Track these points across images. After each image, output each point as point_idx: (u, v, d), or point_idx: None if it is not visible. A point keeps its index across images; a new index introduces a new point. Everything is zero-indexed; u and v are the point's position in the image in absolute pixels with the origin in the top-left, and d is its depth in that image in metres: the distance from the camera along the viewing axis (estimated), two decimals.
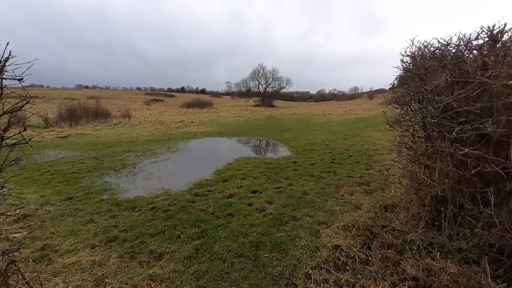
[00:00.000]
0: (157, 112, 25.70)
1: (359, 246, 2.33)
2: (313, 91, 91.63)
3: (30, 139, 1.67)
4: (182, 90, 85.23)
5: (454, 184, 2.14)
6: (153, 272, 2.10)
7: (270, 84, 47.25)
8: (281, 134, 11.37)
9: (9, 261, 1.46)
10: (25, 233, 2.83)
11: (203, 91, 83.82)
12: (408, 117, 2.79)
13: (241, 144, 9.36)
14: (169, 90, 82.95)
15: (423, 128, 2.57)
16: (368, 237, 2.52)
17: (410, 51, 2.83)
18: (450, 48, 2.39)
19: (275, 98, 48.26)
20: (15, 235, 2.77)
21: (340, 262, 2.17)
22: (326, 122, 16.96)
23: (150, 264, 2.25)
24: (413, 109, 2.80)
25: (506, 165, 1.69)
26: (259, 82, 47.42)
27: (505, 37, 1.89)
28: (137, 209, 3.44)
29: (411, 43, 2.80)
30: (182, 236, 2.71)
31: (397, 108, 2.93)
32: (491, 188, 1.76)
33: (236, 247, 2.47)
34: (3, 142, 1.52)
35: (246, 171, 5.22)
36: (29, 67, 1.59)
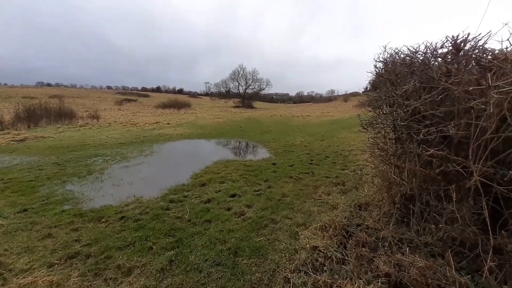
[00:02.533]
0: (130, 113, 24.32)
1: (335, 246, 2.36)
2: (292, 93, 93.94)
3: None
4: (158, 90, 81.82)
5: (421, 182, 2.27)
6: None
7: (250, 85, 47.47)
8: (261, 135, 11.39)
9: None
10: None
11: (180, 91, 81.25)
12: (380, 120, 2.92)
13: (220, 146, 9.18)
14: (144, 89, 79.18)
15: (394, 130, 2.71)
16: (344, 236, 2.57)
17: (382, 57, 2.97)
18: (418, 56, 2.54)
19: (254, 99, 48.51)
20: None
21: (318, 263, 2.18)
22: (304, 123, 17.38)
23: (117, 281, 2.05)
24: (384, 112, 2.95)
25: (465, 164, 1.82)
26: (239, 83, 47.39)
27: (468, 46, 2.05)
28: (103, 220, 3.15)
29: (384, 50, 2.94)
30: (154, 247, 2.53)
31: (370, 111, 3.05)
32: (453, 185, 1.89)
33: (213, 255, 2.36)
34: None
35: (225, 174, 5.10)
36: None
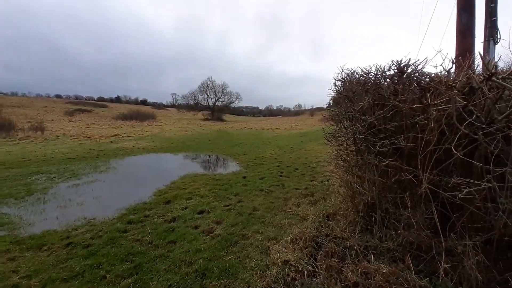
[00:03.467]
0: (83, 124, 21.98)
1: (306, 259, 2.35)
2: (262, 107, 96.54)
3: None
4: (117, 100, 76.22)
5: (380, 191, 2.44)
6: None
7: (219, 98, 47.38)
8: (231, 148, 11.28)
9: None
10: None
11: (144, 102, 76.95)
12: (342, 133, 3.13)
13: (188, 160, 8.79)
14: (101, 99, 72.97)
15: (354, 142, 2.91)
16: (314, 248, 2.59)
17: (341, 77, 3.25)
18: (371, 76, 2.84)
19: (224, 112, 48.44)
20: None
21: (289, 278, 2.13)
22: (274, 136, 17.83)
23: None
24: (345, 126, 3.17)
25: (416, 173, 2.02)
26: (208, 96, 46.94)
27: (410, 69, 2.36)
28: (45, 248, 2.67)
29: (341, 70, 3.23)
30: (108, 275, 2.20)
31: (333, 125, 3.26)
32: (407, 193, 2.08)
33: (178, 280, 2.15)
34: None
35: (193, 189, 4.84)
36: None
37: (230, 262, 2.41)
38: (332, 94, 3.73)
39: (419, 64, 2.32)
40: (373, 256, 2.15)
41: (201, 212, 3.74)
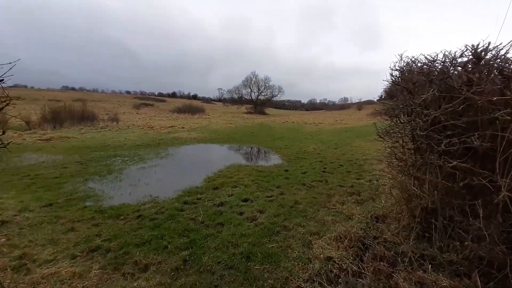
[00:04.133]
0: (147, 116, 25.22)
1: (351, 258, 2.30)
2: (305, 100, 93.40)
3: (8, 143, 1.57)
4: (173, 95, 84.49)
5: (443, 196, 2.18)
6: (137, 285, 1.98)
7: (262, 92, 47.83)
8: (273, 142, 11.40)
9: None
10: (3, 240, 2.63)
11: (195, 97, 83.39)
12: (397, 129, 2.86)
13: (232, 151, 9.28)
14: (160, 94, 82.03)
15: (412, 140, 2.64)
16: (360, 249, 2.50)
17: (398, 66, 2.94)
18: (437, 64, 2.50)
19: (266, 106, 48.73)
20: None
21: (332, 274, 2.13)
22: (317, 131, 17.20)
23: (134, 276, 2.12)
24: (402, 121, 2.88)
25: (492, 178, 1.74)
26: (251, 90, 47.90)
27: (489, 55, 1.99)
28: (122, 217, 3.28)
29: (400, 58, 2.91)
30: (169, 246, 2.59)
31: (387, 119, 3.00)
32: (479, 200, 1.80)
33: (226, 259, 2.38)
34: None
35: (238, 178, 5.15)
36: (10, 68, 1.50)
37: (272, 250, 2.54)
38: (386, 85, 3.42)
39: (501, 49, 1.93)
40: (430, 266, 1.97)
41: (245, 200, 3.98)
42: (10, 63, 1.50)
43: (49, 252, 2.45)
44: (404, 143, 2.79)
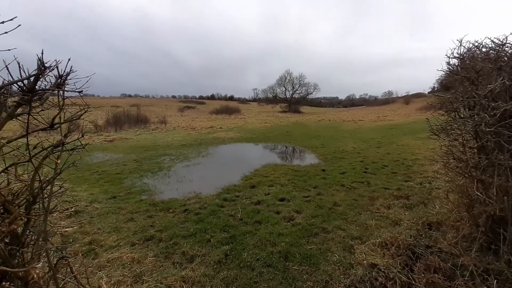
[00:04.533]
0: (189, 118, 27.17)
1: (399, 267, 2.14)
2: (342, 96, 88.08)
3: (86, 145, 1.90)
4: (212, 97, 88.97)
5: None
6: (185, 274, 2.19)
7: (296, 90, 46.88)
8: (309, 140, 11.11)
9: (60, 256, 1.65)
10: (76, 227, 3.18)
11: (231, 98, 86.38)
12: (456, 125, 2.52)
13: (267, 150, 9.37)
14: (201, 97, 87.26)
15: (475, 137, 2.30)
16: (410, 258, 2.30)
17: (457, 52, 2.58)
18: (506, 49, 2.13)
19: (301, 104, 47.60)
20: (68, 229, 3.13)
21: (377, 283, 2.02)
22: (356, 128, 16.12)
23: (182, 265, 2.35)
24: (462, 116, 2.53)
25: None
26: (285, 88, 47.37)
27: None
28: (171, 211, 3.64)
29: (459, 44, 2.56)
30: (212, 240, 2.79)
31: (443, 114, 2.67)
32: None
33: (264, 256, 2.45)
34: (63, 147, 1.74)
35: (274, 178, 5.20)
36: (87, 81, 1.81)
37: (311, 251, 2.51)
38: (442, 75, 3.03)
39: None
40: (496, 282, 1.71)
41: (282, 199, 4.00)
42: (88, 76, 1.82)
43: (113, 239, 2.87)
44: (464, 141, 2.45)
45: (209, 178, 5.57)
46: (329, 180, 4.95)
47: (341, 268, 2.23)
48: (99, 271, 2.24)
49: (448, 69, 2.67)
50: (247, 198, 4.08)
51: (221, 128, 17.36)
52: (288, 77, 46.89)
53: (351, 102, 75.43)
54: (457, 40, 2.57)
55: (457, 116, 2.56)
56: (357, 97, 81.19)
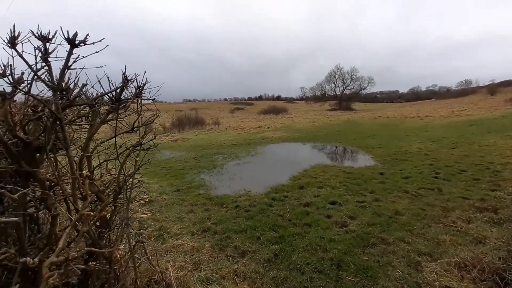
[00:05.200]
0: (239, 119, 28.48)
1: None
2: (404, 89, 77.12)
3: (157, 144, 2.21)
4: (259, 98, 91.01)
5: None
6: (237, 268, 2.31)
7: (348, 85, 43.41)
8: (362, 140, 10.20)
9: (137, 239, 1.96)
10: (149, 215, 3.73)
11: (278, 98, 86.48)
12: None
13: (316, 150, 9.03)
14: (249, 98, 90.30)
15: None
16: (498, 284, 1.87)
17: None
18: None
19: (353, 100, 43.84)
20: (143, 216, 3.70)
21: None
22: (423, 126, 13.94)
23: (235, 259, 2.49)
24: None
25: None
26: (335, 85, 44.45)
27: None
28: (224, 206, 3.90)
29: None
30: (261, 238, 2.86)
31: None
32: None
33: (315, 261, 2.38)
34: (141, 147, 2.06)
35: (323, 179, 4.98)
36: (158, 90, 2.10)
37: (367, 263, 2.31)
38: None
39: None
40: None
41: (333, 203, 3.79)
42: (158, 86, 2.12)
43: (178, 227, 3.25)
44: None
45: (258, 177, 5.73)
46: (389, 185, 4.45)
47: (405, 287, 1.98)
48: (166, 255, 2.58)
49: None
50: (296, 199, 4.03)
51: (268, 128, 17.58)
52: (338, 72, 43.89)
53: (415, 96, 65.50)
54: None
55: None
56: (423, 89, 69.88)
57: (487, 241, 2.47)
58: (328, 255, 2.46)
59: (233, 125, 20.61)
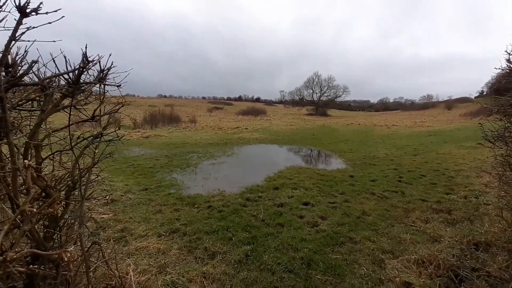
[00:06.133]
0: (217, 118, 27.98)
1: None
2: (374, 100, 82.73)
3: (122, 137, 2.02)
4: (239, 98, 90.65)
5: None
6: (206, 270, 2.20)
7: (324, 92, 45.56)
8: (336, 145, 10.66)
9: (93, 241, 1.76)
10: (111, 215, 3.42)
11: (258, 100, 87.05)
12: None
13: (292, 153, 9.19)
14: (229, 98, 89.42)
15: None
16: (452, 280, 2.03)
17: None
18: None
19: (329, 107, 46.12)
20: (103, 216, 3.39)
21: None
22: (389, 134, 15.05)
23: (204, 261, 2.38)
24: None
25: None
26: (313, 91, 46.31)
27: None
28: (196, 206, 3.74)
29: None
30: (233, 238, 2.78)
31: (500, 119, 2.32)
32: None
33: (286, 261, 2.37)
34: (102, 138, 1.86)
35: (298, 180, 5.06)
36: (125, 76, 1.92)
37: (336, 261, 2.36)
38: (498, 76, 2.66)
39: None
40: None
41: (306, 203, 3.86)
42: (126, 71, 1.93)
43: (143, 228, 3.02)
44: None
45: (233, 177, 5.63)
46: (358, 187, 4.66)
47: (369, 283, 2.05)
48: (128, 258, 2.37)
49: (508, 68, 2.31)
50: (270, 199, 4.02)
51: (246, 129, 17.55)
52: (316, 79, 45.85)
53: (384, 106, 70.65)
54: None
55: None
56: (391, 101, 75.70)
57: (442, 239, 2.68)
58: (299, 255, 2.47)
59: (211, 124, 20.19)
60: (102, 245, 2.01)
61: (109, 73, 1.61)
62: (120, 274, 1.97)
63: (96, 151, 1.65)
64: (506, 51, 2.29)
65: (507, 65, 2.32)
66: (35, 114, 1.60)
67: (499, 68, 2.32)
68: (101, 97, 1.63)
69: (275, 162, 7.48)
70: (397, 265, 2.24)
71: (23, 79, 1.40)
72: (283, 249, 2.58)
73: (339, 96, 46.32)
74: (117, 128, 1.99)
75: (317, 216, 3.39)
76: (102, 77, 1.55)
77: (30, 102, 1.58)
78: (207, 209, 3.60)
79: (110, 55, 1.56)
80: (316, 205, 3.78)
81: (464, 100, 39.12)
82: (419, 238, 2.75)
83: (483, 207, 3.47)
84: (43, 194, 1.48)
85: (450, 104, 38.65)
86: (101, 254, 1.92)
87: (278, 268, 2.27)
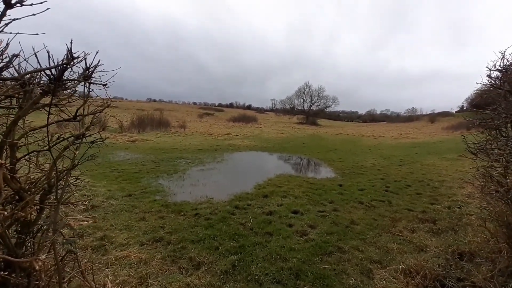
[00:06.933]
0: (208, 124, 27.76)
1: None
2: (362, 111, 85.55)
3: (105, 139, 1.92)
4: (230, 105, 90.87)
5: None
6: (190, 281, 2.10)
7: (315, 102, 46.64)
8: (325, 154, 10.79)
9: (68, 249, 1.63)
10: (90, 222, 3.22)
11: (249, 107, 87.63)
12: (497, 145, 2.27)
13: (282, 161, 9.20)
14: (220, 105, 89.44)
15: None
16: None
17: (500, 65, 2.37)
18: None
19: (319, 116, 47.15)
20: (82, 223, 3.18)
21: None
22: (376, 144, 15.47)
23: (188, 272, 2.26)
24: (504, 134, 2.28)
25: None
26: (304, 100, 47.28)
27: None
28: (182, 213, 3.60)
29: (501, 56, 2.35)
30: (220, 248, 2.69)
31: (482, 132, 2.43)
32: None
33: (274, 271, 2.30)
34: (84, 139, 1.76)
35: (287, 188, 5.03)
36: (113, 75, 1.84)
37: (325, 271, 2.32)
38: (480, 90, 2.81)
39: None
40: None
41: (295, 212, 3.82)
42: (113, 70, 1.86)
43: (124, 236, 2.86)
44: (507, 163, 2.19)
45: (222, 184, 5.53)
46: (347, 196, 4.69)
47: None
48: (106, 268, 2.22)
49: (489, 83, 2.44)
50: (259, 207, 3.95)
51: (237, 135, 17.48)
52: (307, 89, 46.95)
53: (371, 117, 73.11)
54: (499, 52, 2.37)
55: (498, 134, 2.31)
56: (378, 112, 78.55)
57: (428, 249, 2.71)
58: (287, 265, 2.41)
59: (201, 130, 19.97)
60: (78, 254, 1.86)
61: (95, 71, 1.54)
62: (97, 285, 1.84)
63: (77, 153, 1.56)
64: (487, 67, 2.43)
65: (488, 80, 2.45)
66: (13, 112, 1.50)
67: (480, 83, 2.44)
68: (86, 96, 1.56)
69: (265, 169, 7.44)
70: (385, 275, 2.23)
71: (2, 73, 1.31)
72: (271, 259, 2.51)
73: (329, 106, 47.61)
74: (101, 130, 1.89)
75: (306, 225, 3.35)
76: (87, 75, 1.48)
77: (8, 99, 1.48)
78: (194, 217, 3.48)
79: (97, 52, 1.50)
80: (306, 214, 3.75)
81: (445, 114, 41.31)
82: (405, 247, 2.76)
83: (466, 217, 3.58)
84: (16, 197, 1.37)
85: (433, 117, 40.62)
86: (76, 263, 1.78)
87: (266, 279, 2.20)
